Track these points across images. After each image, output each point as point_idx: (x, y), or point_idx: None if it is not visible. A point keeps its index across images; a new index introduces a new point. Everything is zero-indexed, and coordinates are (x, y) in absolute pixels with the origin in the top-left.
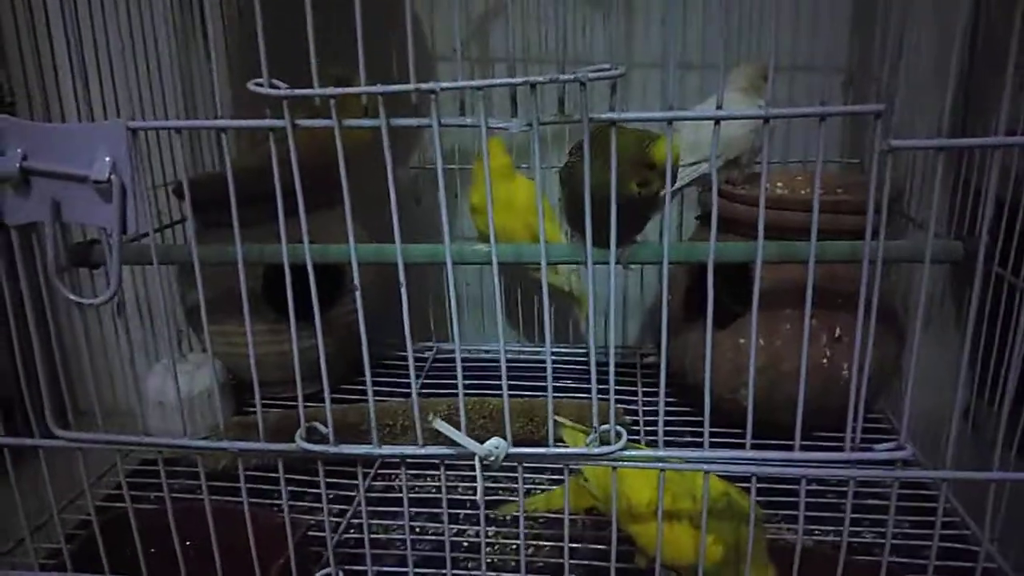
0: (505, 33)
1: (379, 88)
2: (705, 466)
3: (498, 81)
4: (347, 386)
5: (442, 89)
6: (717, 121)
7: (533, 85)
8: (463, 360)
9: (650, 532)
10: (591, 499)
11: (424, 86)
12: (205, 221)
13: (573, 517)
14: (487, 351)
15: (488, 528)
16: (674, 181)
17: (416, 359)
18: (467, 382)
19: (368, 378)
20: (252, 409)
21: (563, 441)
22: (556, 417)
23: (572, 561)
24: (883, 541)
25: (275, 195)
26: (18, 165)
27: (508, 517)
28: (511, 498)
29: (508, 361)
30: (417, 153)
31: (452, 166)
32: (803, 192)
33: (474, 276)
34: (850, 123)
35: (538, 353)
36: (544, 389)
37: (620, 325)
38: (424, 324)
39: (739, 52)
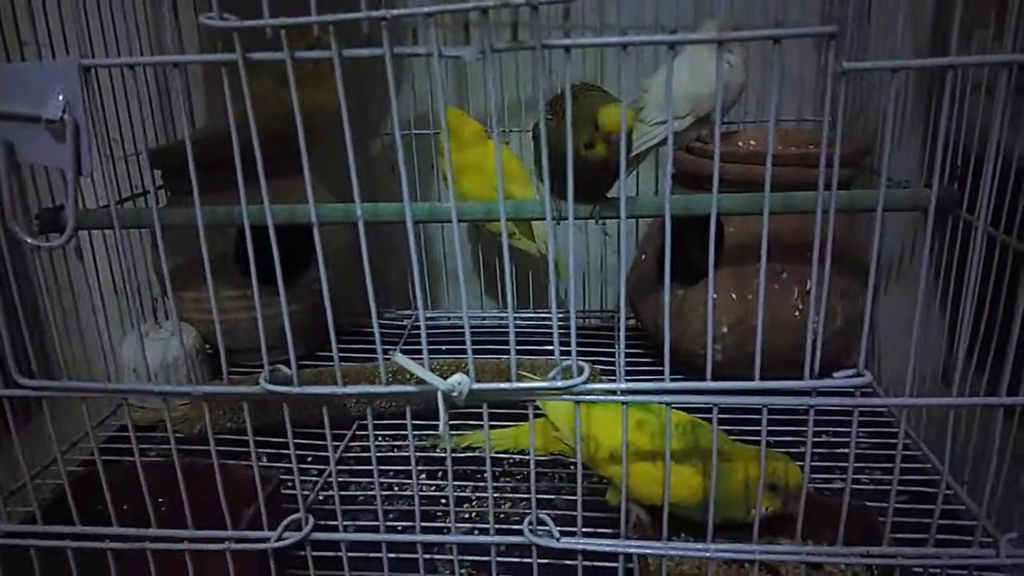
0: None
1: (329, 17)
2: (666, 397)
3: (449, 7)
4: (323, 353)
5: (392, 16)
6: (671, 46)
7: (485, 10)
8: (444, 326)
9: (631, 471)
10: (561, 445)
11: (375, 14)
12: (179, 189)
13: (546, 469)
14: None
15: (465, 483)
16: (630, 146)
17: (397, 326)
18: (447, 346)
19: (331, 325)
20: (230, 375)
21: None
22: (524, 374)
23: (545, 512)
24: (855, 487)
25: (245, 160)
26: None
27: (485, 474)
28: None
29: (490, 327)
30: (390, 120)
31: (427, 131)
32: (776, 148)
33: (452, 244)
34: (824, 79)
35: (518, 318)
36: (523, 352)
37: (598, 290)
38: (404, 291)
39: (711, 10)
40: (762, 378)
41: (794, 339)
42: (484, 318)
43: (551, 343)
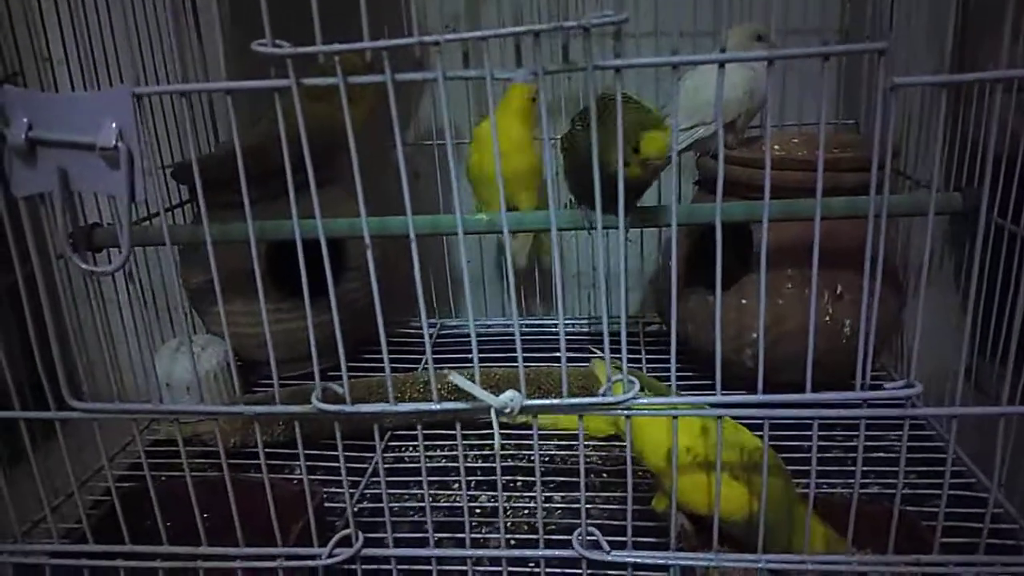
0: (496, 9)
1: (383, 43)
2: (717, 411)
3: (502, 31)
4: (351, 363)
5: (446, 40)
6: (721, 64)
7: (536, 34)
8: (467, 335)
9: (686, 480)
10: (615, 428)
11: (427, 39)
12: (209, 203)
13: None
14: (490, 325)
15: (502, 492)
16: (666, 166)
17: (421, 336)
18: (475, 354)
19: (382, 335)
20: (259, 389)
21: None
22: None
23: (588, 521)
24: (891, 492)
25: (274, 174)
26: (24, 135)
27: (520, 483)
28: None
29: (511, 334)
30: (412, 130)
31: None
32: (800, 153)
33: (474, 253)
34: (844, 83)
35: (540, 325)
36: (547, 360)
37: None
38: (428, 302)
39: (731, 17)
40: (798, 382)
41: (826, 342)
42: (508, 324)
43: (575, 348)
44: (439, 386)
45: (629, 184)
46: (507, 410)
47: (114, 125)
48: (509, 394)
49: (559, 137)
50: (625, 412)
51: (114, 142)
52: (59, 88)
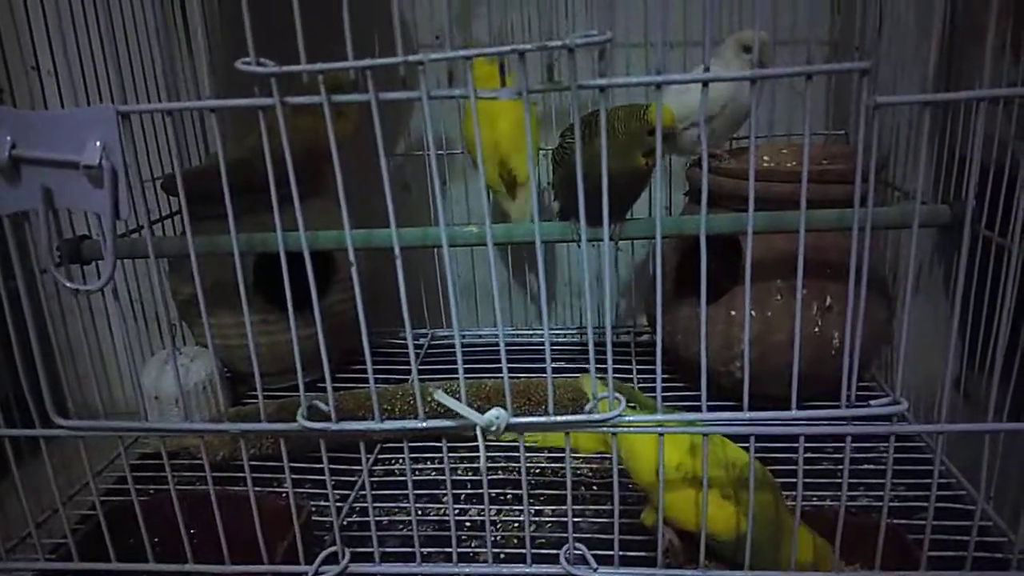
0: (487, 20)
1: (367, 62)
2: (704, 428)
3: (486, 50)
4: (340, 375)
5: (430, 60)
6: (705, 84)
7: (521, 53)
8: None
9: (676, 496)
10: (604, 446)
11: (412, 58)
12: (192, 215)
13: (575, 492)
14: (481, 335)
15: (490, 507)
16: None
17: (413, 346)
18: (463, 366)
19: (367, 353)
20: (248, 401)
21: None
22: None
23: (575, 535)
24: (879, 504)
25: (260, 187)
26: (7, 153)
27: (510, 496)
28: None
29: (506, 344)
30: (402, 141)
31: (440, 152)
32: (789, 164)
33: (465, 264)
34: (834, 94)
35: (531, 336)
36: (540, 370)
37: (613, 304)
38: (418, 312)
39: (721, 28)
40: (788, 394)
41: (813, 353)
42: (496, 336)
43: (564, 359)
44: (427, 400)
45: (638, 177)
46: (493, 428)
47: (98, 143)
48: (495, 412)
49: (550, 149)
50: (612, 429)
51: (98, 160)
52: (48, 100)
